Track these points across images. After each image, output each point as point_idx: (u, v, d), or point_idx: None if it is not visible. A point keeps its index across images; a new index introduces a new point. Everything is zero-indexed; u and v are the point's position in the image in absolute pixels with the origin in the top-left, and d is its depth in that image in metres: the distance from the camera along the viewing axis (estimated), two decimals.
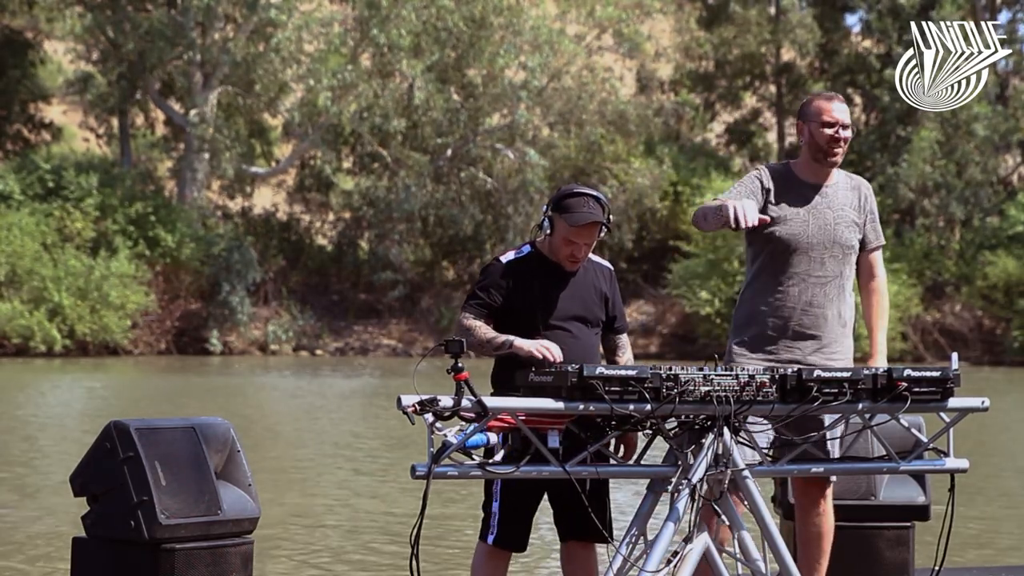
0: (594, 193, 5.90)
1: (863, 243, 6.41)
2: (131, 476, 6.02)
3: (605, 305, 6.04)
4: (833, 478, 6.28)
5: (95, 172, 41.25)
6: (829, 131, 6.25)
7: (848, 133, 6.29)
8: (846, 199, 6.37)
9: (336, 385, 30.25)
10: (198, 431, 6.27)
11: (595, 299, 6.01)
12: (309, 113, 43.95)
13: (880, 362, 6.29)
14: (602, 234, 5.92)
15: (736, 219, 5.87)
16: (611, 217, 5.94)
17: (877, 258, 6.49)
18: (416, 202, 43.18)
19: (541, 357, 5.70)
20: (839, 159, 6.33)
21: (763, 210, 6.22)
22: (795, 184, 6.33)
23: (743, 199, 6.07)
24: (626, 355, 6.16)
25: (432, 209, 43.98)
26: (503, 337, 5.81)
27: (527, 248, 6.01)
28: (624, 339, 6.17)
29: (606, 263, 6.14)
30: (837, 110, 6.27)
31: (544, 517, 6.20)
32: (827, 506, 6.28)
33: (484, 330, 5.85)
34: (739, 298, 6.43)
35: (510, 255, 6.00)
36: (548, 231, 5.91)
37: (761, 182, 6.29)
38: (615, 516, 6.08)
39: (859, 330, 6.62)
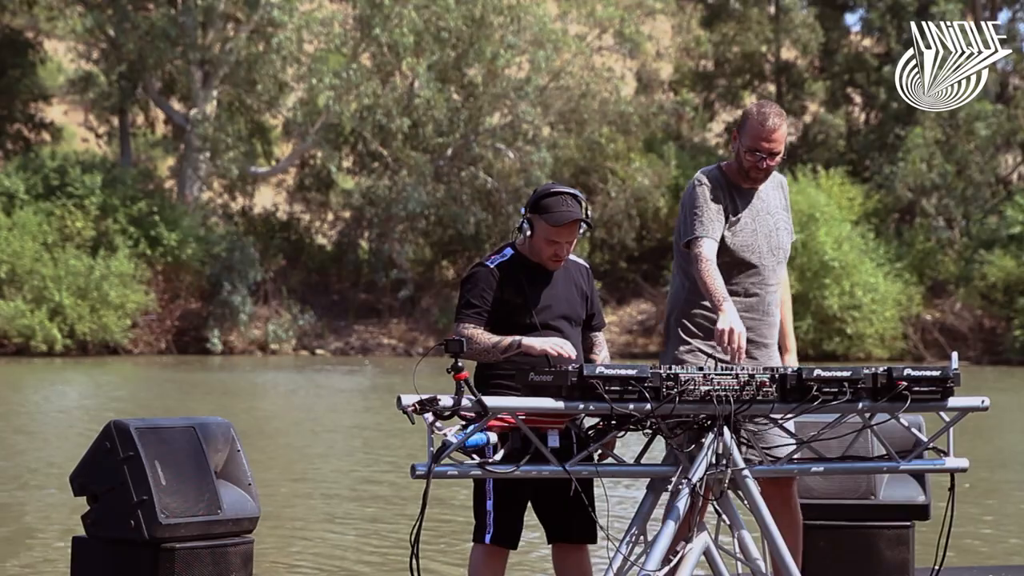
0: (571, 191, 5.87)
1: None
2: (131, 476, 6.02)
3: (585, 303, 6.04)
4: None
5: (98, 171, 41.25)
6: (751, 158, 6.12)
7: (776, 159, 6.11)
8: (776, 201, 6.31)
9: (336, 384, 30.24)
10: (198, 431, 6.26)
11: (578, 297, 6.01)
12: (310, 113, 43.94)
13: (793, 359, 6.30)
14: (582, 231, 5.89)
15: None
16: (590, 213, 5.92)
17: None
18: (419, 201, 43.14)
19: (556, 355, 5.69)
20: (760, 184, 6.19)
21: (725, 221, 6.11)
22: (736, 191, 6.21)
23: (715, 224, 6.02)
24: (603, 353, 6.14)
25: (432, 209, 43.96)
26: (509, 338, 5.77)
27: (509, 251, 5.97)
28: (600, 337, 6.15)
29: (583, 261, 6.12)
30: (768, 138, 6.07)
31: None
32: (795, 501, 6.27)
33: (486, 336, 5.81)
34: (685, 300, 6.17)
35: (494, 259, 5.95)
36: (528, 233, 5.87)
37: (718, 196, 6.12)
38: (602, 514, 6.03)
39: None
